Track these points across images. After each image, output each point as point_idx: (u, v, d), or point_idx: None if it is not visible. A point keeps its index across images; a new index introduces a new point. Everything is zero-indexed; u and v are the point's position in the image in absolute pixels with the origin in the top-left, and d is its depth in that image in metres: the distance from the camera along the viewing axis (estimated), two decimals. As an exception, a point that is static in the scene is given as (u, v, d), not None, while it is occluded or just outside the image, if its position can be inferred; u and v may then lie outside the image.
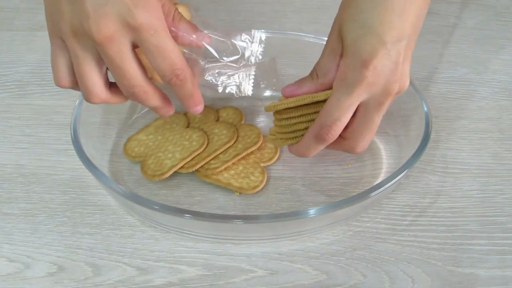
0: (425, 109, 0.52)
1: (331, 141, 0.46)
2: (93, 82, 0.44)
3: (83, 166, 0.47)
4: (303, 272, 0.46)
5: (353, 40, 0.43)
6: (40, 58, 0.68)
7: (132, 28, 0.41)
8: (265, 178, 0.52)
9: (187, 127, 0.56)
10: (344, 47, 0.44)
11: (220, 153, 0.53)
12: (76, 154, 0.48)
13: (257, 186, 0.51)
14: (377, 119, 0.45)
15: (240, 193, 0.51)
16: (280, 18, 0.75)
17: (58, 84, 0.45)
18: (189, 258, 0.47)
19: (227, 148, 0.53)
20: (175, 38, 0.46)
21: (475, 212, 0.50)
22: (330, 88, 0.45)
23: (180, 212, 0.45)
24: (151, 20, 0.41)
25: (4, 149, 0.56)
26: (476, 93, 0.63)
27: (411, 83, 0.55)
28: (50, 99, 0.62)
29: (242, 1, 0.78)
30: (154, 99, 0.45)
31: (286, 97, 0.47)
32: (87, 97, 0.45)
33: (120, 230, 0.49)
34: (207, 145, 0.54)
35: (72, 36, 0.42)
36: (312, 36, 0.60)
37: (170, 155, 0.53)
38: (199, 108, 0.47)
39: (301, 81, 0.47)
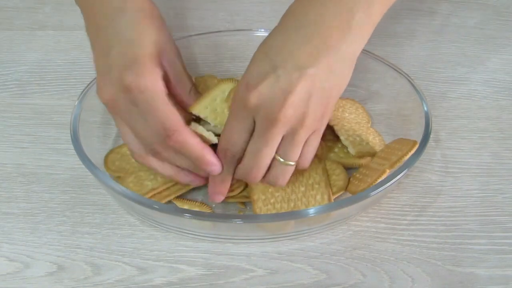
0: (425, 108, 0.52)
1: (230, 163, 0.45)
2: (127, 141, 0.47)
3: (82, 166, 0.47)
4: (303, 271, 0.46)
5: (251, 61, 0.44)
6: (39, 57, 0.68)
7: (123, 89, 0.44)
8: None
9: None
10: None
11: None
12: (75, 153, 0.48)
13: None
14: (263, 147, 0.43)
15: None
16: (280, 18, 0.75)
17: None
18: (189, 257, 0.47)
19: None
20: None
21: (475, 212, 0.50)
22: None
23: (180, 211, 0.45)
24: (140, 80, 0.43)
25: (3, 149, 0.56)
26: (476, 92, 0.63)
27: (411, 82, 0.55)
28: (49, 99, 0.62)
29: (241, 0, 0.78)
30: (176, 160, 0.46)
31: None
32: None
33: (120, 230, 0.49)
34: None
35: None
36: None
37: (151, 176, 0.50)
38: (214, 168, 0.45)
39: None
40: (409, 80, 0.55)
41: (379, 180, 0.46)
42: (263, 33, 0.63)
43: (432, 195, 0.51)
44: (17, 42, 0.71)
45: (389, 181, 0.45)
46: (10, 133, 0.58)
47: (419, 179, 0.53)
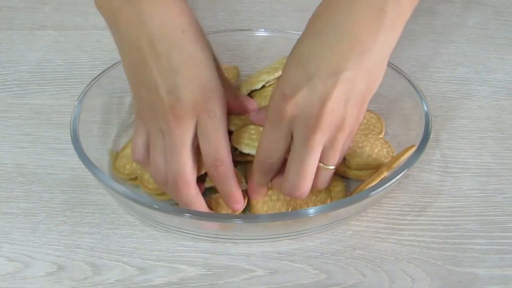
0: (425, 108, 0.52)
1: (267, 174, 0.46)
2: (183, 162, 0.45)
3: (82, 166, 0.47)
4: (303, 271, 0.46)
5: (284, 70, 0.44)
6: (39, 57, 0.68)
7: (199, 110, 0.44)
8: None
9: None
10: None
11: None
12: (75, 153, 0.48)
13: None
14: (307, 156, 0.43)
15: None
16: (280, 18, 0.75)
17: (132, 158, 0.48)
18: (188, 257, 0.47)
19: None
20: (236, 110, 0.50)
21: (475, 212, 0.50)
22: None
23: (180, 211, 0.45)
24: (215, 106, 0.44)
25: (3, 149, 0.56)
26: (476, 92, 0.63)
27: (411, 82, 0.55)
28: (49, 99, 0.62)
29: (241, 0, 0.78)
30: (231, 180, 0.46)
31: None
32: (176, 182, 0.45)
33: (120, 230, 0.49)
34: None
35: (151, 119, 0.45)
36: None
37: None
38: (238, 207, 0.47)
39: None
40: (409, 80, 0.55)
41: (376, 181, 0.46)
42: (263, 33, 0.63)
43: (432, 195, 0.51)
44: (17, 42, 0.71)
45: (389, 181, 0.45)
46: (10, 133, 0.58)
47: (419, 179, 0.53)
